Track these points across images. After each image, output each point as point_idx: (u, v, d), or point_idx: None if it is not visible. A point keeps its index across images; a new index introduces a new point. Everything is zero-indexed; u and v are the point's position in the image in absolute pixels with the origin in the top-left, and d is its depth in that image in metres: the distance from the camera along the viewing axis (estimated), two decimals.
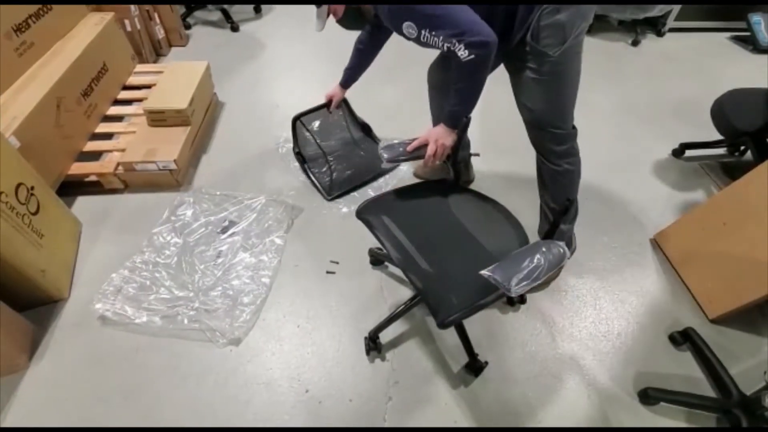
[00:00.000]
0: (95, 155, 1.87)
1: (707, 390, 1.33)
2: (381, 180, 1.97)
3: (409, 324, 1.46)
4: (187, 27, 2.92)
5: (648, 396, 1.27)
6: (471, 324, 1.41)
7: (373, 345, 1.38)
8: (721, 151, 2.16)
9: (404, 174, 2.00)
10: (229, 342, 1.39)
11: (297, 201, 1.82)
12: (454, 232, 1.19)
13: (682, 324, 1.47)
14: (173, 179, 1.83)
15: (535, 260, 0.86)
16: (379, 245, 1.16)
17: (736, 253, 1.42)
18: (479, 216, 1.23)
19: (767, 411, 1.12)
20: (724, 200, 1.52)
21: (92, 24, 2.06)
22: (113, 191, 1.82)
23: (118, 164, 1.77)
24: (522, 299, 1.52)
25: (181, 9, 2.94)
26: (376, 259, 1.61)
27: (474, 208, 1.26)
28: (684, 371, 1.38)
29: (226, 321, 1.41)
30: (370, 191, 1.91)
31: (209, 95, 2.22)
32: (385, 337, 1.40)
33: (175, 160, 1.77)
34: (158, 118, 1.90)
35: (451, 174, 1.33)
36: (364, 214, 1.22)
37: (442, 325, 0.96)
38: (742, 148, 2.14)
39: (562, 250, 0.90)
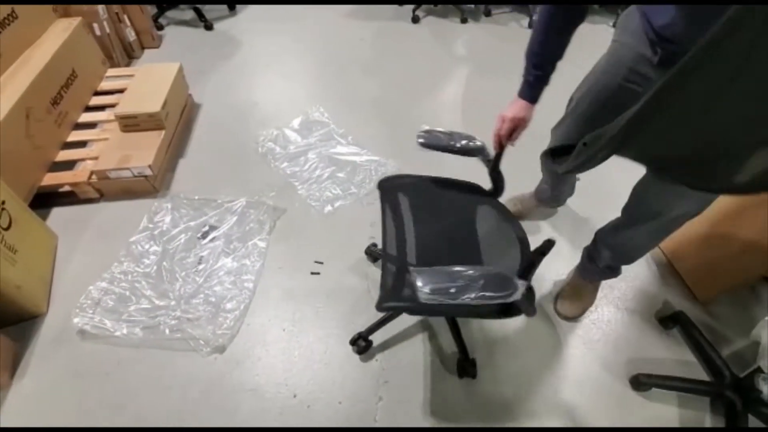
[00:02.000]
0: (69, 165, 1.81)
1: (699, 373, 1.33)
2: None
3: (398, 324, 1.43)
4: (160, 28, 2.84)
5: (640, 382, 1.26)
6: (463, 323, 1.39)
7: (365, 345, 1.35)
8: None
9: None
10: (213, 350, 1.35)
11: (279, 202, 1.78)
12: (462, 238, 1.14)
13: (672, 308, 1.46)
14: (150, 185, 1.78)
15: (467, 280, 0.79)
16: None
17: (724, 234, 1.41)
18: (495, 232, 1.14)
19: (761, 393, 1.11)
20: None
21: (60, 30, 1.99)
22: (89, 201, 1.77)
23: (92, 173, 1.72)
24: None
25: (152, 9, 2.86)
26: (374, 258, 1.57)
27: (495, 221, 1.16)
28: (675, 355, 1.37)
29: (208, 329, 1.38)
30: None
31: (184, 97, 2.16)
32: (374, 337, 1.38)
33: (150, 166, 1.72)
34: (131, 123, 1.85)
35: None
36: (384, 184, 1.19)
37: (378, 307, 0.95)
38: None
39: (510, 291, 0.80)
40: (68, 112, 1.91)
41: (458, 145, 1.15)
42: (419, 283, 0.78)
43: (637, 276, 1.56)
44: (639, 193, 1.12)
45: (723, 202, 1.43)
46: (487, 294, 0.79)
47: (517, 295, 0.81)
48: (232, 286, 1.50)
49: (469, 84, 2.52)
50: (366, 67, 2.50)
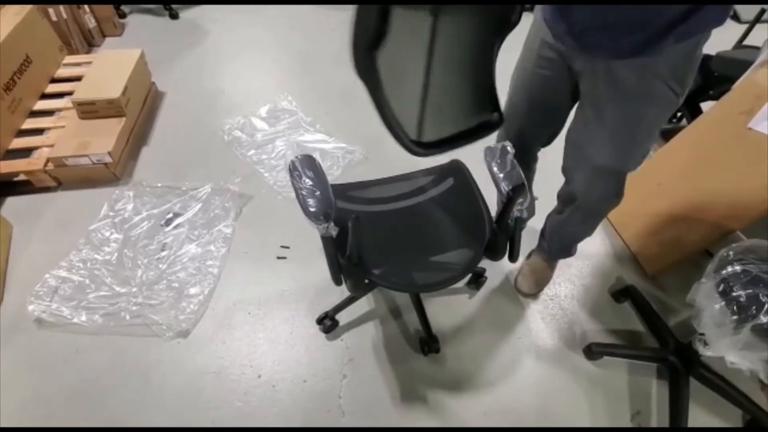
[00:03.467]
0: (25, 153, 1.75)
1: (648, 342, 1.40)
2: None
3: (364, 303, 1.46)
4: (122, 16, 2.76)
5: (591, 351, 1.32)
6: (428, 302, 1.42)
7: (331, 324, 1.37)
8: None
9: None
10: (176, 334, 1.35)
11: (245, 189, 1.77)
12: (418, 224, 1.18)
13: (624, 282, 1.53)
14: (110, 173, 1.74)
15: None
16: None
17: (669, 212, 1.49)
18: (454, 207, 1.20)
19: (701, 356, 1.19)
20: (657, 162, 1.58)
21: (11, 15, 1.91)
22: (46, 189, 1.72)
23: (48, 160, 1.67)
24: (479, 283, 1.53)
25: None
26: None
27: (451, 197, 1.21)
28: (626, 326, 1.44)
29: (171, 313, 1.37)
30: None
31: (146, 84, 2.12)
32: (340, 316, 1.40)
33: (109, 152, 1.69)
34: (89, 110, 1.80)
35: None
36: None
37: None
38: (679, 114, 2.23)
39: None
40: (22, 98, 1.84)
41: None
42: None
43: (592, 254, 1.63)
44: (564, 168, 1.21)
45: (670, 181, 1.52)
46: None
47: None
48: (196, 272, 1.49)
49: None
50: (336, 56, 2.50)
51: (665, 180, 1.54)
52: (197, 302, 1.41)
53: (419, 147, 0.75)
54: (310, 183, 0.93)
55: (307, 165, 0.96)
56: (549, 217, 1.41)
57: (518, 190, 1.01)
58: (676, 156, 1.53)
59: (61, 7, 2.24)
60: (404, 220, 1.19)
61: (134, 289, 1.43)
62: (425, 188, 1.26)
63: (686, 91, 0.94)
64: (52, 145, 1.72)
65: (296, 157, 0.97)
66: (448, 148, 0.81)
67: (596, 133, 1.03)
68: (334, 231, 0.95)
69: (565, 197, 1.26)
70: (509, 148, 1.04)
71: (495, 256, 1.16)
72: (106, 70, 1.95)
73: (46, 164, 1.67)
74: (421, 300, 1.38)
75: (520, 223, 1.10)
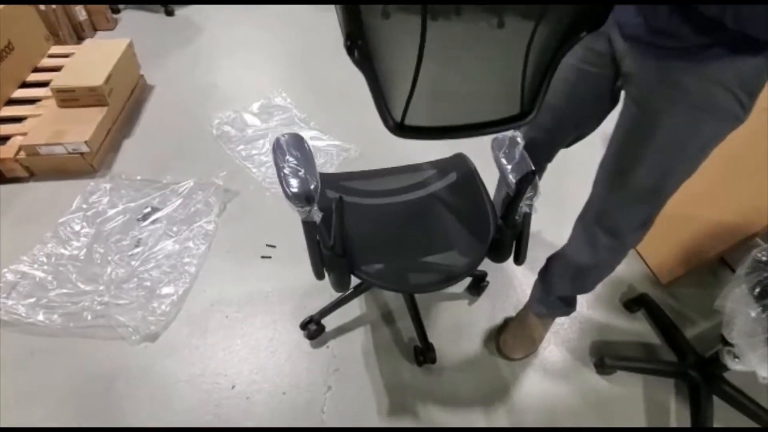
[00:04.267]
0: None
1: (664, 355, 1.28)
2: None
3: (354, 307, 1.33)
4: (115, 11, 2.69)
5: (604, 365, 1.19)
6: (424, 306, 1.30)
7: (317, 329, 1.24)
8: None
9: None
10: (144, 338, 1.22)
11: (231, 184, 1.66)
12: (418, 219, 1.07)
13: (636, 291, 1.41)
14: (87, 164, 1.63)
15: None
16: None
17: (683, 215, 1.38)
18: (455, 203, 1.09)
19: (725, 370, 1.07)
20: None
21: None
22: (16, 180, 1.60)
23: (20, 148, 1.56)
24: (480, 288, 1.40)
25: None
26: None
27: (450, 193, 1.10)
28: (640, 338, 1.32)
29: (139, 314, 1.24)
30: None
31: (134, 76, 2.03)
32: (327, 321, 1.27)
33: (86, 142, 1.58)
34: (69, 98, 1.70)
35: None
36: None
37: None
38: None
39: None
40: (0, 86, 1.74)
41: None
42: None
43: None
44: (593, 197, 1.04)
45: (686, 186, 1.41)
46: None
47: None
48: (171, 270, 1.37)
49: None
50: (332, 52, 2.42)
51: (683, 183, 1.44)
52: (170, 303, 1.28)
53: (401, 130, 0.67)
54: (294, 162, 0.83)
55: (293, 144, 0.86)
56: (555, 256, 1.19)
57: (527, 180, 0.90)
58: None
59: None
60: (400, 216, 1.08)
61: (101, 288, 1.30)
62: (426, 182, 1.16)
63: (753, 107, 0.79)
64: (26, 134, 1.61)
65: (282, 135, 0.87)
66: (445, 136, 0.70)
67: (642, 146, 0.87)
68: (317, 216, 0.84)
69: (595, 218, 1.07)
70: (519, 138, 0.93)
71: (499, 257, 1.05)
72: (90, 58, 1.86)
73: (17, 153, 1.56)
74: (417, 305, 1.26)
75: (528, 219, 0.99)
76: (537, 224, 1.57)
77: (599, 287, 1.41)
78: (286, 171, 0.82)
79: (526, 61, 0.67)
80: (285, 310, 1.32)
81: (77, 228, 1.45)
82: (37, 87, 1.88)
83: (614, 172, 0.95)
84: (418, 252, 1.02)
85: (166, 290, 1.31)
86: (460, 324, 1.32)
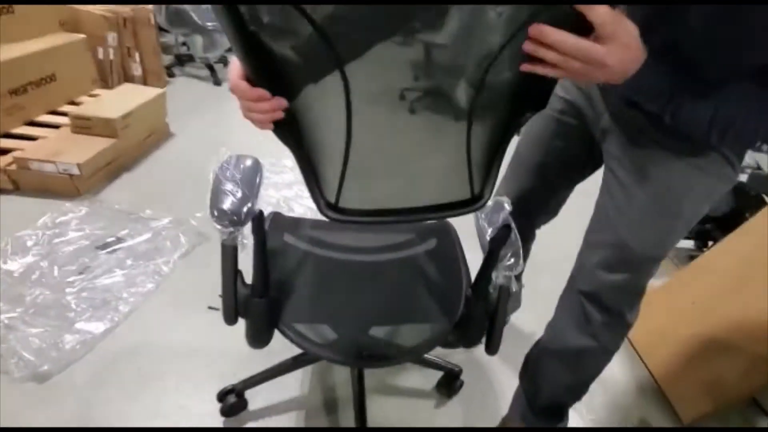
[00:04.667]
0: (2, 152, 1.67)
1: None
2: None
3: (292, 386, 1.08)
4: (171, 75, 2.97)
5: None
6: (377, 403, 1.03)
7: (236, 404, 0.99)
8: (688, 245, 1.89)
9: None
10: (32, 376, 1.00)
11: (206, 227, 1.55)
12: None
13: (649, 423, 1.07)
14: (73, 186, 1.59)
15: None
16: None
17: (706, 338, 1.12)
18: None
19: None
20: (691, 276, 1.26)
21: (57, 39, 2.03)
22: (0, 191, 1.58)
23: (13, 160, 1.56)
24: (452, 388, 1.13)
25: (167, 59, 3.02)
26: None
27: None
28: None
29: (41, 347, 1.04)
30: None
31: (157, 122, 2.10)
32: (252, 398, 1.02)
33: (79, 165, 1.56)
34: (83, 126, 1.75)
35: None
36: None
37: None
38: (711, 243, 1.89)
39: None
40: (27, 107, 1.83)
41: None
42: None
43: (608, 380, 1.20)
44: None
45: (707, 299, 1.16)
46: None
47: None
48: (101, 304, 1.20)
49: None
50: None
51: (701, 298, 1.19)
52: (82, 341, 1.09)
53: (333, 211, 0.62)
54: (236, 179, 0.72)
55: (243, 163, 0.76)
56: (537, 345, 0.96)
57: (501, 239, 0.72)
58: (714, 270, 1.20)
59: (111, 49, 2.41)
60: (361, 276, 0.91)
61: (19, 309, 1.14)
62: (401, 245, 0.99)
63: (741, 167, 0.72)
64: (23, 149, 1.62)
65: (235, 155, 0.78)
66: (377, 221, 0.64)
67: (628, 204, 0.75)
68: (242, 242, 0.70)
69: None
70: (506, 204, 0.78)
71: (467, 338, 0.83)
72: (120, 97, 1.96)
73: (9, 164, 1.55)
74: (364, 394, 0.99)
75: (506, 294, 0.78)
76: (531, 312, 1.31)
77: (601, 410, 1.10)
78: (224, 188, 0.70)
79: (468, 145, 0.60)
80: (210, 373, 1.08)
81: (29, 244, 1.35)
82: (65, 116, 1.98)
83: (604, 241, 0.79)
84: (368, 321, 0.81)
85: (86, 326, 1.13)
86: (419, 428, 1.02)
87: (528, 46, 0.45)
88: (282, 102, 0.49)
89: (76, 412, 0.96)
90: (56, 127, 1.88)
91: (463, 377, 1.11)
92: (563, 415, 0.97)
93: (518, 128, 0.59)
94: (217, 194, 0.73)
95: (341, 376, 1.12)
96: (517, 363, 1.03)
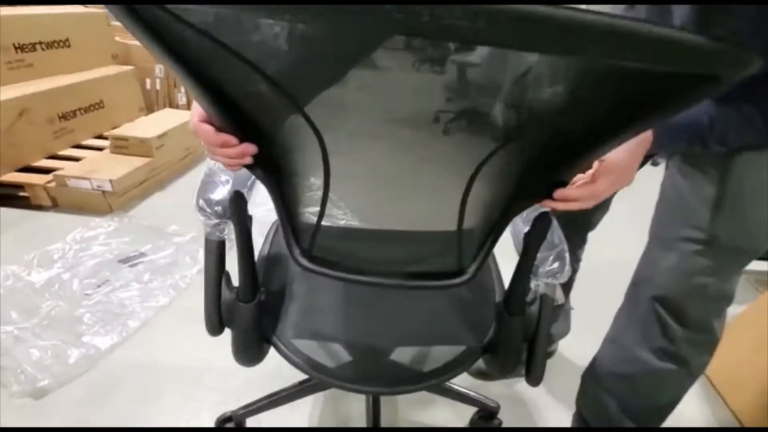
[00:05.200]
0: (46, 172, 1.74)
1: None
2: None
3: (299, 414, 0.94)
4: None
5: None
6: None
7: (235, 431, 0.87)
8: None
9: None
10: (29, 392, 0.94)
11: (230, 243, 1.49)
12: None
13: None
14: (105, 203, 1.61)
15: None
16: None
17: None
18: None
19: None
20: None
21: (108, 70, 2.17)
22: (40, 207, 1.63)
23: (53, 178, 1.61)
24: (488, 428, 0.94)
25: None
26: None
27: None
28: None
29: (44, 361, 0.99)
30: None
31: (195, 143, 2.14)
32: (258, 423, 0.90)
33: (111, 181, 1.58)
34: (121, 145, 1.80)
35: None
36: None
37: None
38: None
39: None
40: (75, 130, 1.93)
41: None
42: None
43: (684, 418, 0.96)
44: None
45: None
46: None
47: None
48: (113, 318, 1.14)
49: None
50: None
51: None
52: (86, 356, 1.03)
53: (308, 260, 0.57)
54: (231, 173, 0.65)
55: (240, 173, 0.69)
56: (594, 368, 0.79)
57: (539, 232, 0.57)
58: None
59: (158, 80, 2.54)
60: (376, 294, 0.78)
61: (34, 320, 1.11)
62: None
63: None
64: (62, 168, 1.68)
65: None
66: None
67: (712, 187, 0.59)
68: (226, 234, 0.62)
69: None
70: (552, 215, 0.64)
71: (501, 363, 0.66)
72: (159, 119, 2.02)
73: (49, 182, 1.61)
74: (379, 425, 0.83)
75: (547, 307, 0.62)
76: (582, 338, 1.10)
77: None
78: (216, 178, 0.64)
79: (462, 213, 0.51)
80: (214, 398, 0.97)
81: (55, 257, 1.35)
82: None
83: (684, 236, 0.63)
84: (380, 342, 0.69)
85: (92, 340, 1.07)
86: None
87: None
88: (249, 148, 0.44)
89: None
90: (101, 149, 1.97)
91: (501, 415, 0.92)
92: None
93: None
94: (206, 184, 0.67)
95: (358, 407, 0.97)
96: (568, 400, 0.84)
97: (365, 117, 0.44)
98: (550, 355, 1.12)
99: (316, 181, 0.50)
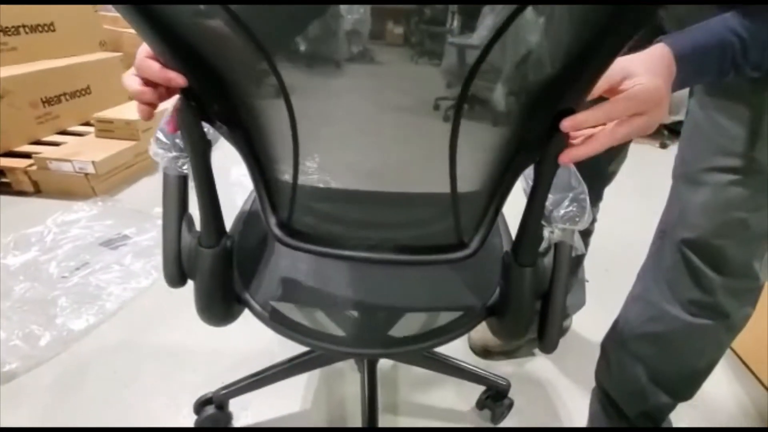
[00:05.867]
0: (28, 157, 1.67)
1: None
2: None
3: (289, 397, 0.86)
4: None
5: None
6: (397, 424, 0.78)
7: (214, 416, 0.79)
8: None
9: None
10: None
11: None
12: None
13: None
14: (88, 186, 1.54)
15: None
16: None
17: None
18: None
19: None
20: None
21: (95, 56, 2.10)
22: (22, 193, 1.55)
23: (34, 160, 1.54)
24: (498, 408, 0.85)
25: None
26: None
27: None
28: None
29: (15, 343, 0.91)
30: None
31: None
32: (236, 407, 0.81)
33: (93, 162, 1.51)
34: (106, 129, 1.73)
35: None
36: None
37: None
38: None
39: None
40: (60, 116, 1.85)
41: None
42: None
43: (709, 401, 0.86)
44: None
45: None
46: None
47: None
48: (90, 300, 1.07)
49: None
50: None
51: None
52: (58, 338, 0.95)
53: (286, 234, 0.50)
54: None
55: None
56: (615, 331, 0.70)
57: (554, 145, 0.47)
58: None
59: None
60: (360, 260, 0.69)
61: (6, 304, 1.03)
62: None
63: None
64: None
65: None
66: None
67: (746, 107, 0.51)
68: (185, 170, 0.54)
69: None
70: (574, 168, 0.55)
71: (509, 326, 0.58)
72: None
73: (29, 166, 1.53)
74: (376, 412, 0.74)
75: (564, 257, 0.54)
76: (595, 315, 1.01)
77: None
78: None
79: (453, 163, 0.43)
80: (195, 381, 0.89)
81: (33, 240, 1.27)
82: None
83: (717, 165, 0.54)
84: (373, 306, 0.60)
85: (66, 322, 0.99)
86: None
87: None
88: (178, 79, 0.38)
89: (31, 418, 0.80)
90: (86, 135, 1.89)
91: (512, 394, 0.83)
92: (660, 422, 0.66)
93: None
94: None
95: (352, 389, 0.89)
96: (583, 379, 0.75)
97: (329, 57, 0.38)
98: (564, 331, 1.03)
99: (285, 132, 0.42)
